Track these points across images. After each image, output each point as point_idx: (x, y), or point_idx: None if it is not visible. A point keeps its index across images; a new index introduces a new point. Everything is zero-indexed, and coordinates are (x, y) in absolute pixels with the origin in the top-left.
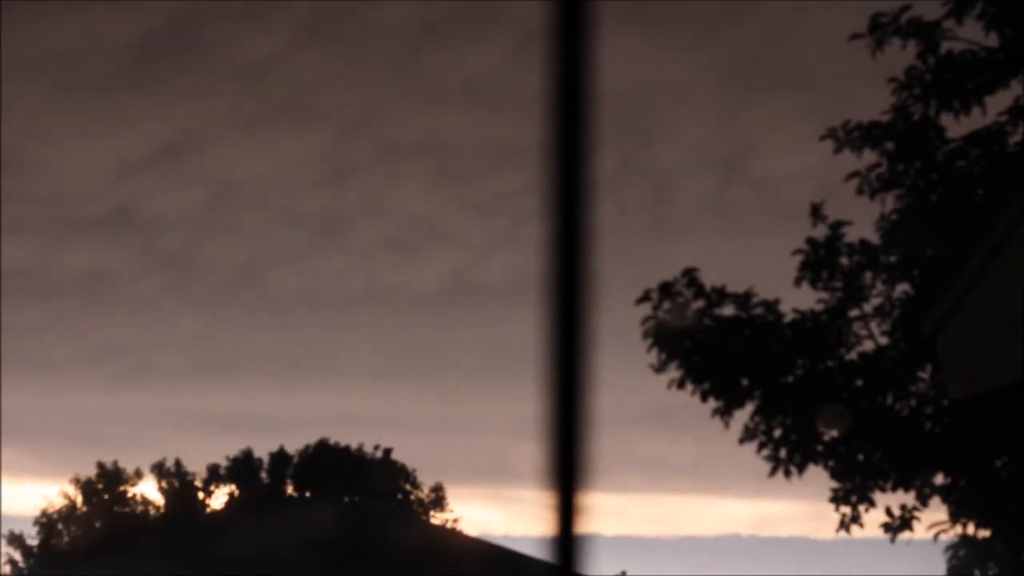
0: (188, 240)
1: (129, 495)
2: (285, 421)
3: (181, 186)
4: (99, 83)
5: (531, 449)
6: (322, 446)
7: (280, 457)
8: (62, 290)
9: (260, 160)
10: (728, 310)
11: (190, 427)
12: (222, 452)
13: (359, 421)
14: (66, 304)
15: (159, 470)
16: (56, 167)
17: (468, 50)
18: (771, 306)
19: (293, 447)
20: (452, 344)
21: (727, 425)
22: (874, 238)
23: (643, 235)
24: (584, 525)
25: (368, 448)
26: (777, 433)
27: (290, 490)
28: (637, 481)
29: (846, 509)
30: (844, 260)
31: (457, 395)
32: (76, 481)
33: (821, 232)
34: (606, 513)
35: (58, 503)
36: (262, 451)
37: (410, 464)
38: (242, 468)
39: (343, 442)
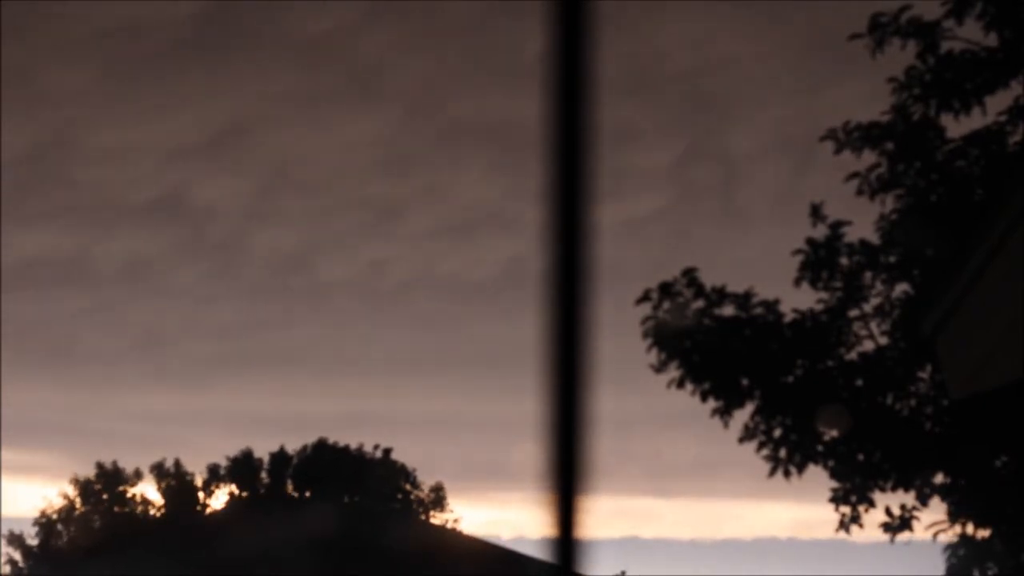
0: (236, 228)
1: (129, 495)
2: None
3: (233, 171)
4: (152, 63)
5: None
6: (322, 446)
7: (280, 457)
8: (93, 280)
9: (317, 143)
10: (728, 310)
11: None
12: (222, 452)
13: (384, 420)
14: (93, 295)
15: (159, 470)
16: (104, 151)
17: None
18: (771, 306)
19: (293, 447)
20: (499, 335)
21: (727, 425)
22: (874, 238)
23: (710, 223)
24: (584, 526)
25: (368, 448)
26: (777, 433)
27: (290, 490)
28: (679, 484)
29: (846, 509)
30: (844, 260)
31: (501, 391)
32: (75, 481)
33: (821, 232)
34: (647, 517)
35: (58, 503)
36: (262, 451)
37: (411, 464)
38: (242, 468)
39: (342, 442)
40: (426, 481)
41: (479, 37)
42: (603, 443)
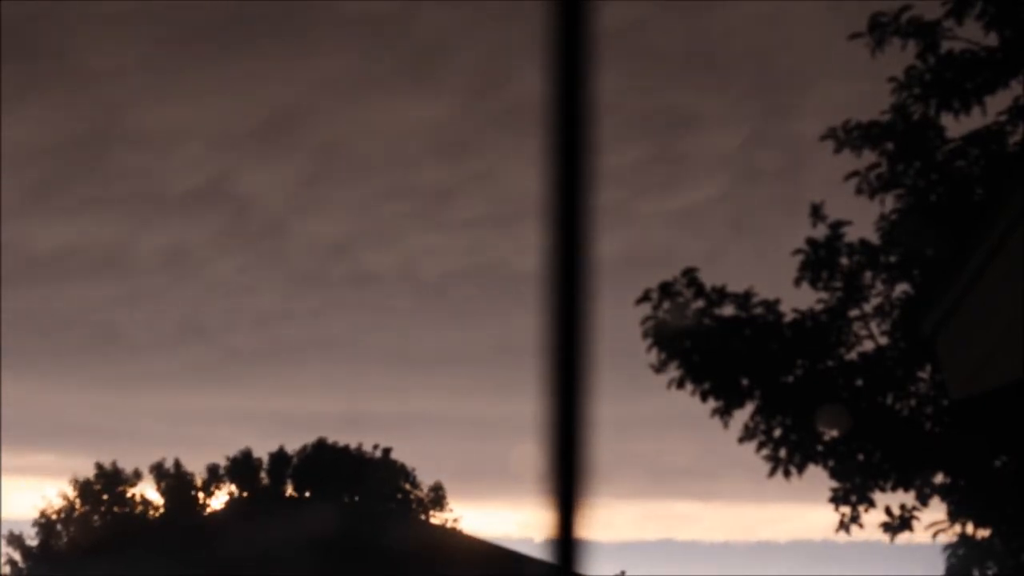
0: (278, 217)
1: (128, 495)
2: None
3: (279, 160)
4: (200, 44)
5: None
6: (321, 446)
7: (279, 457)
8: (131, 271)
9: (368, 129)
10: (728, 310)
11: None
12: (221, 452)
13: (411, 419)
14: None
15: (158, 470)
16: (148, 137)
17: (614, 8)
18: (771, 306)
19: (292, 447)
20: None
21: (726, 425)
22: (874, 238)
23: (772, 211)
24: (584, 526)
25: (367, 448)
26: (777, 433)
27: (290, 490)
28: (715, 487)
29: (846, 509)
30: (844, 260)
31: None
32: (75, 482)
33: (821, 232)
34: (683, 519)
35: (57, 504)
36: (261, 451)
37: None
38: (241, 468)
39: (343, 442)
40: (425, 481)
41: (542, 16)
42: (638, 447)
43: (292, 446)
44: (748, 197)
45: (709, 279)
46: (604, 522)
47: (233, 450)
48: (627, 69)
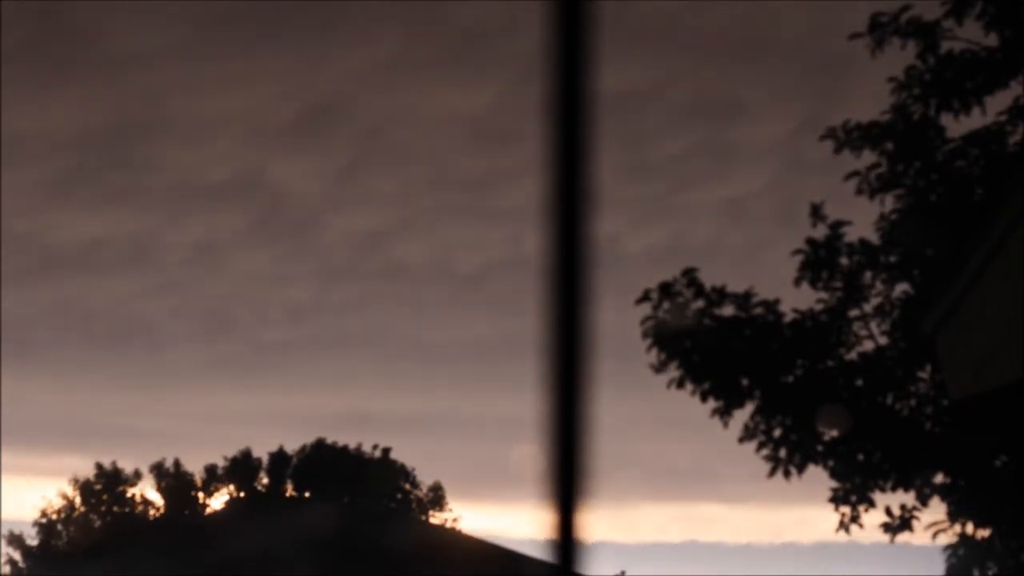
0: (311, 209)
1: (128, 495)
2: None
3: (315, 150)
4: (241, 29)
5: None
6: (320, 446)
7: (279, 457)
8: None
9: (410, 118)
10: (728, 310)
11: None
12: (221, 452)
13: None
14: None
15: (158, 470)
16: (183, 127)
17: None
18: (771, 306)
19: (292, 447)
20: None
21: (726, 425)
22: (874, 238)
23: (821, 201)
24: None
25: (367, 448)
26: (777, 433)
27: (289, 490)
28: (740, 489)
29: (846, 509)
30: (844, 260)
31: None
32: (75, 482)
33: (821, 232)
34: (707, 521)
35: (57, 504)
36: (261, 451)
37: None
38: (241, 468)
39: (341, 442)
40: (425, 481)
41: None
42: (663, 449)
43: (292, 446)
44: (796, 187)
45: (755, 270)
46: (628, 524)
47: (233, 450)
48: (672, 58)
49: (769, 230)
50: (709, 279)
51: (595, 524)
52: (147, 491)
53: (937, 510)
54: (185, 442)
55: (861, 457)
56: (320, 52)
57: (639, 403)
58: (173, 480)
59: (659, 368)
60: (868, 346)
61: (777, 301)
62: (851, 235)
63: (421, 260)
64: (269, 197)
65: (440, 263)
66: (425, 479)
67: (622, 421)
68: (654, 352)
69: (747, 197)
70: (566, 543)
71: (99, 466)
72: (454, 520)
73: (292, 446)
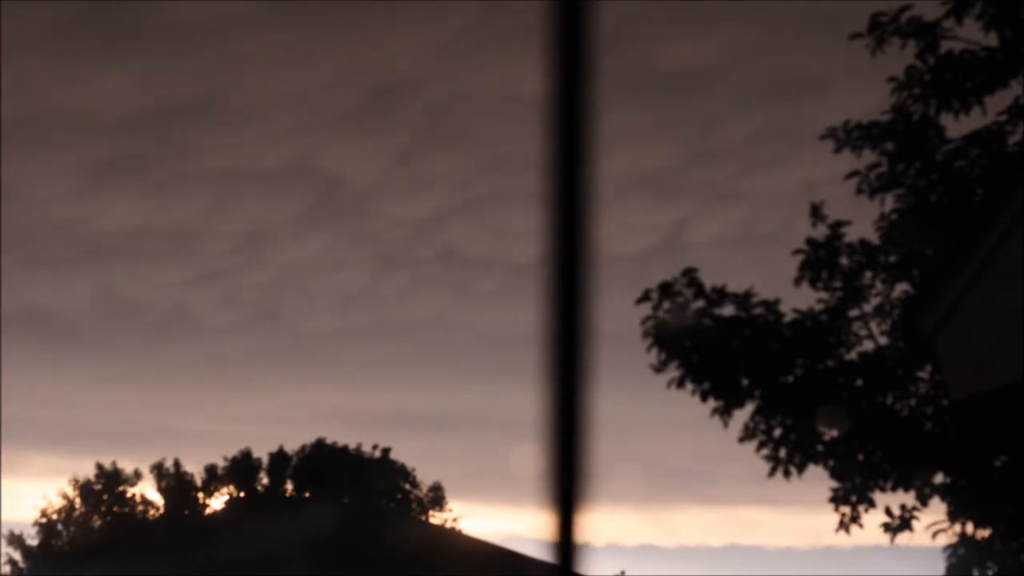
0: (366, 198)
1: (128, 495)
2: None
3: (377, 130)
4: (306, 4)
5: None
6: (320, 446)
7: (279, 457)
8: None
9: (475, 100)
10: (728, 310)
11: (189, 427)
12: (220, 452)
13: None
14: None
15: (158, 470)
16: (236, 108)
17: None
18: (771, 306)
19: (292, 447)
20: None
21: (726, 425)
22: (874, 238)
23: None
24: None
25: (367, 447)
26: (777, 433)
27: (289, 490)
28: (779, 493)
29: (846, 509)
30: (844, 260)
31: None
32: (75, 482)
33: (821, 232)
34: (749, 525)
35: (57, 504)
36: (261, 451)
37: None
38: (241, 468)
39: (341, 442)
40: (425, 480)
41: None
42: (704, 451)
43: (292, 446)
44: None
45: None
46: (669, 527)
47: (233, 450)
48: (741, 34)
49: (848, 215)
50: (777, 266)
51: (634, 528)
52: (147, 491)
53: (937, 510)
54: (185, 442)
55: (861, 457)
56: (388, 28)
57: (682, 406)
58: (173, 480)
59: (659, 368)
60: (868, 346)
61: (777, 301)
62: (851, 235)
63: (478, 249)
64: (323, 183)
65: (497, 251)
66: (425, 479)
67: (663, 424)
68: (654, 352)
69: (822, 182)
70: (566, 543)
71: (99, 466)
72: (454, 520)
73: (292, 446)
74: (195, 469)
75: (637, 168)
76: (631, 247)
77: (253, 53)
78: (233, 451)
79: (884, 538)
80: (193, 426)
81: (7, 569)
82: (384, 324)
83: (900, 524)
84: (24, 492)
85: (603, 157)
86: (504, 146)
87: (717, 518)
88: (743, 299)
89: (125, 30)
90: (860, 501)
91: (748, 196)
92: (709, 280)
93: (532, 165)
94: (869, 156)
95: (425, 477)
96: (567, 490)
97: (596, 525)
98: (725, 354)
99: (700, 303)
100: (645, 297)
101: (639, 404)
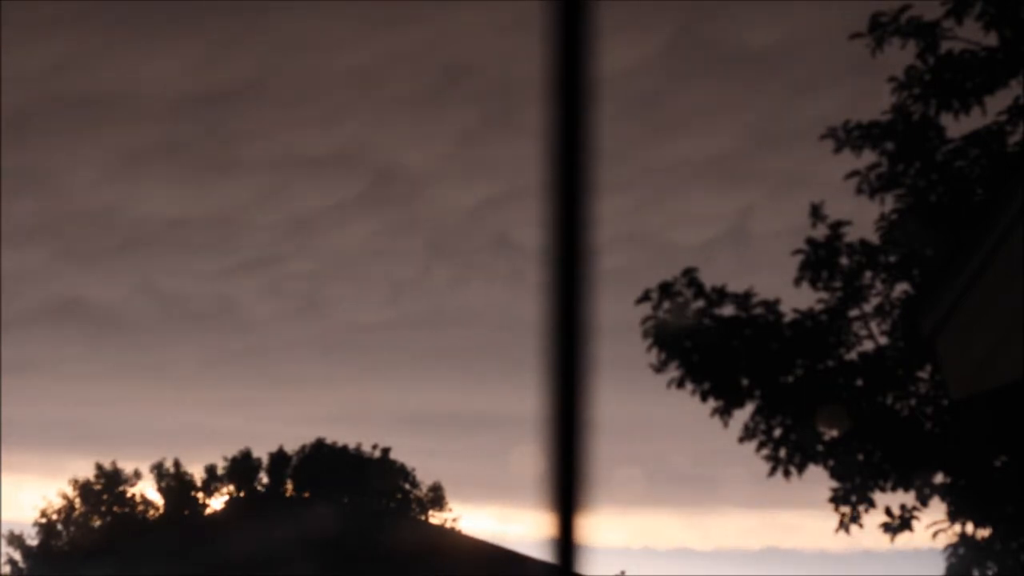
0: (422, 185)
1: (128, 495)
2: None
3: (437, 117)
4: None
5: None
6: (320, 446)
7: (279, 457)
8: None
9: (538, 80)
10: (728, 310)
11: (189, 427)
12: (221, 452)
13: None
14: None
15: (158, 470)
16: (292, 90)
17: None
18: (771, 306)
19: (292, 447)
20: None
21: (726, 425)
22: (874, 238)
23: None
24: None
25: (367, 447)
26: (777, 433)
27: (289, 490)
28: (815, 496)
29: (846, 509)
30: (844, 260)
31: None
32: (75, 482)
33: (821, 232)
34: (786, 529)
35: (57, 504)
36: (261, 451)
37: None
38: (241, 468)
39: (341, 442)
40: (425, 481)
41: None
42: (741, 454)
43: (292, 446)
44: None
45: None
46: (704, 530)
47: (233, 450)
48: (819, 11)
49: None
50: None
51: (671, 531)
52: (147, 491)
53: (937, 510)
54: (185, 442)
55: (861, 457)
56: (453, 6)
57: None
58: (173, 480)
59: (659, 368)
60: (868, 346)
61: (777, 301)
62: (851, 235)
63: (532, 238)
64: (375, 169)
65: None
66: (425, 479)
67: (702, 426)
68: (654, 352)
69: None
70: (566, 543)
71: (99, 466)
72: (454, 520)
73: (292, 446)
74: (195, 469)
75: (702, 152)
76: (692, 237)
77: (309, 33)
78: (233, 451)
79: (921, 541)
80: (193, 425)
81: (7, 569)
82: (431, 317)
83: (900, 524)
84: (24, 492)
85: (666, 142)
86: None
87: (755, 521)
88: (743, 299)
89: (179, 9)
90: (860, 501)
91: (816, 183)
92: (779, 269)
93: (596, 150)
94: (869, 156)
95: (425, 477)
96: (567, 490)
97: (632, 528)
98: (725, 354)
99: (700, 303)
100: (645, 297)
101: (682, 405)
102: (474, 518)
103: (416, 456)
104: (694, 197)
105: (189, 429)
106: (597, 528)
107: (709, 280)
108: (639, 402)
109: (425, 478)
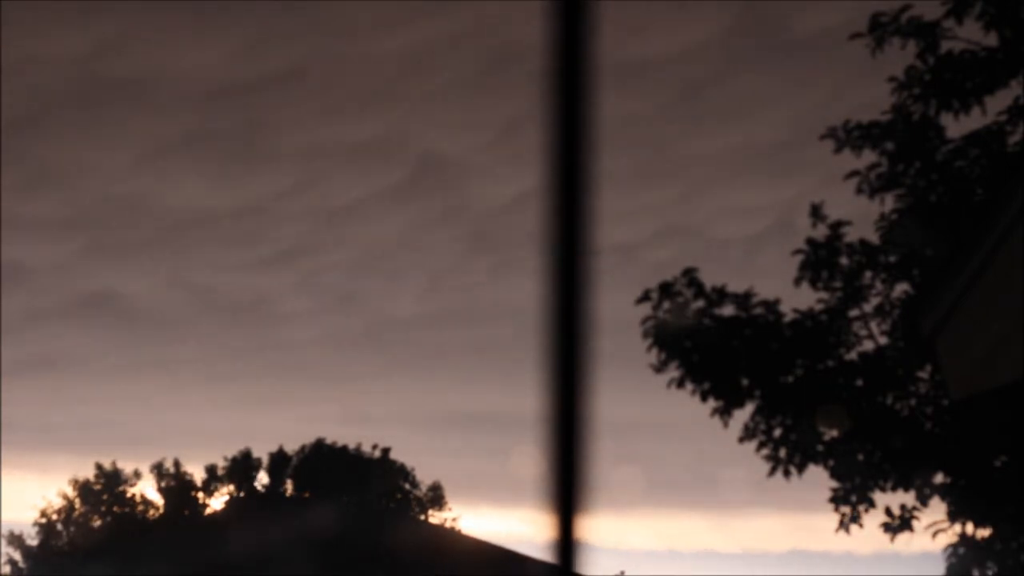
0: (465, 175)
1: (128, 495)
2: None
3: (481, 105)
4: None
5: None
6: (320, 446)
7: (279, 457)
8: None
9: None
10: (728, 310)
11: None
12: (221, 452)
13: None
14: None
15: (158, 470)
16: (331, 79)
17: None
18: (771, 306)
19: (292, 447)
20: None
21: (726, 425)
22: (874, 238)
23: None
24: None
25: (367, 448)
26: (777, 433)
27: (289, 490)
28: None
29: (846, 509)
30: (844, 260)
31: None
32: (75, 482)
33: (821, 232)
34: (810, 531)
35: (57, 504)
36: (261, 451)
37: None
38: (241, 468)
39: (341, 442)
40: (425, 480)
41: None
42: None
43: (292, 446)
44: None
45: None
46: (731, 533)
47: (233, 450)
48: None
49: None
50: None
51: (695, 533)
52: (147, 491)
53: (937, 510)
54: (185, 442)
55: (861, 457)
56: None
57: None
58: (173, 480)
59: (659, 368)
60: (868, 346)
61: (777, 301)
62: (851, 235)
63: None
64: (415, 157)
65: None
66: (425, 479)
67: (730, 430)
68: (654, 352)
69: None
70: (566, 543)
71: (99, 466)
72: (454, 520)
73: (292, 446)
74: (195, 469)
75: (752, 141)
76: (740, 230)
77: (353, 17)
78: (233, 451)
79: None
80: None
81: (7, 569)
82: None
83: (900, 524)
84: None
85: (717, 131)
86: (619, 115)
87: (780, 524)
88: (743, 299)
89: None
90: (860, 501)
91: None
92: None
93: (643, 139)
94: (869, 156)
95: (425, 477)
96: (568, 490)
97: (656, 530)
98: (725, 354)
99: (700, 303)
100: (645, 297)
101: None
102: (474, 518)
103: (416, 456)
104: (741, 188)
105: (189, 429)
106: (621, 530)
107: (754, 273)
108: (663, 404)
109: (425, 478)
